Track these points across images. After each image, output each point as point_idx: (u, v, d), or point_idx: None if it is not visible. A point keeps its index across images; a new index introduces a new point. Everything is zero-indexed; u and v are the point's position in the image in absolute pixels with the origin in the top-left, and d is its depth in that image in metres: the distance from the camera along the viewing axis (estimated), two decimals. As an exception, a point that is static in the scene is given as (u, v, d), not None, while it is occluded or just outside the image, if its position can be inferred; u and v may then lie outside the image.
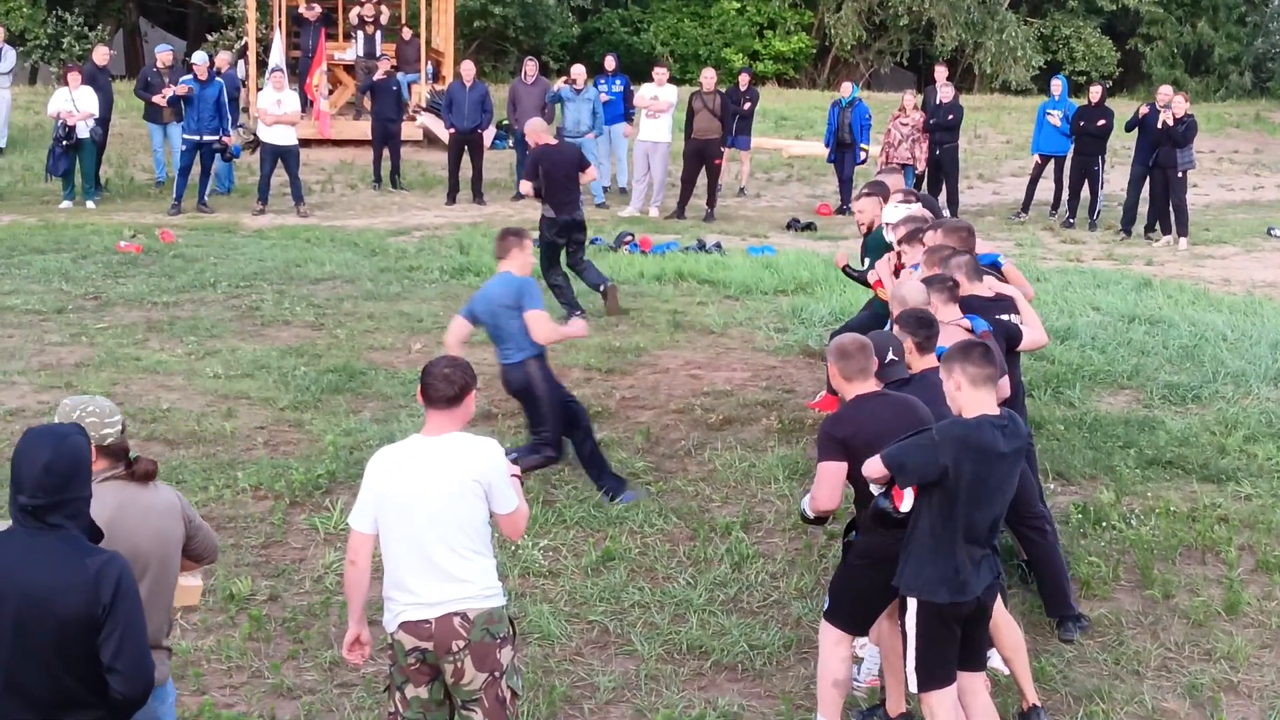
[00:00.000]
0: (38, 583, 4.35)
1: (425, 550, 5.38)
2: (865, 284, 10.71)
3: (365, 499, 5.51)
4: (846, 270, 11.11)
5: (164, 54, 21.16)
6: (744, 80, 22.48)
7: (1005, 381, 7.36)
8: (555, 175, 13.83)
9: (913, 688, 6.13)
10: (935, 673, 6.00)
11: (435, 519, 5.39)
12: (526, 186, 14.40)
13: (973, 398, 5.90)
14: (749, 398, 11.69)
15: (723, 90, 21.17)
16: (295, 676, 7.18)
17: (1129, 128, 20.27)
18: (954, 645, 6.03)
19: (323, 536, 8.80)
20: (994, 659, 7.10)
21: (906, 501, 5.96)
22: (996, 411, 5.92)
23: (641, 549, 8.75)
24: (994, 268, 8.50)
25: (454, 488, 5.41)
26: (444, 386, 5.49)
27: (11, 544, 4.42)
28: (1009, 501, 6.05)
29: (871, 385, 6.44)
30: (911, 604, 5.97)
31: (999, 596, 6.88)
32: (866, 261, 10.48)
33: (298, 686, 7.09)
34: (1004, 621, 6.83)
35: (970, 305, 7.73)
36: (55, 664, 4.38)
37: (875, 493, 6.07)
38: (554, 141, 14.73)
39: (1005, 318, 7.91)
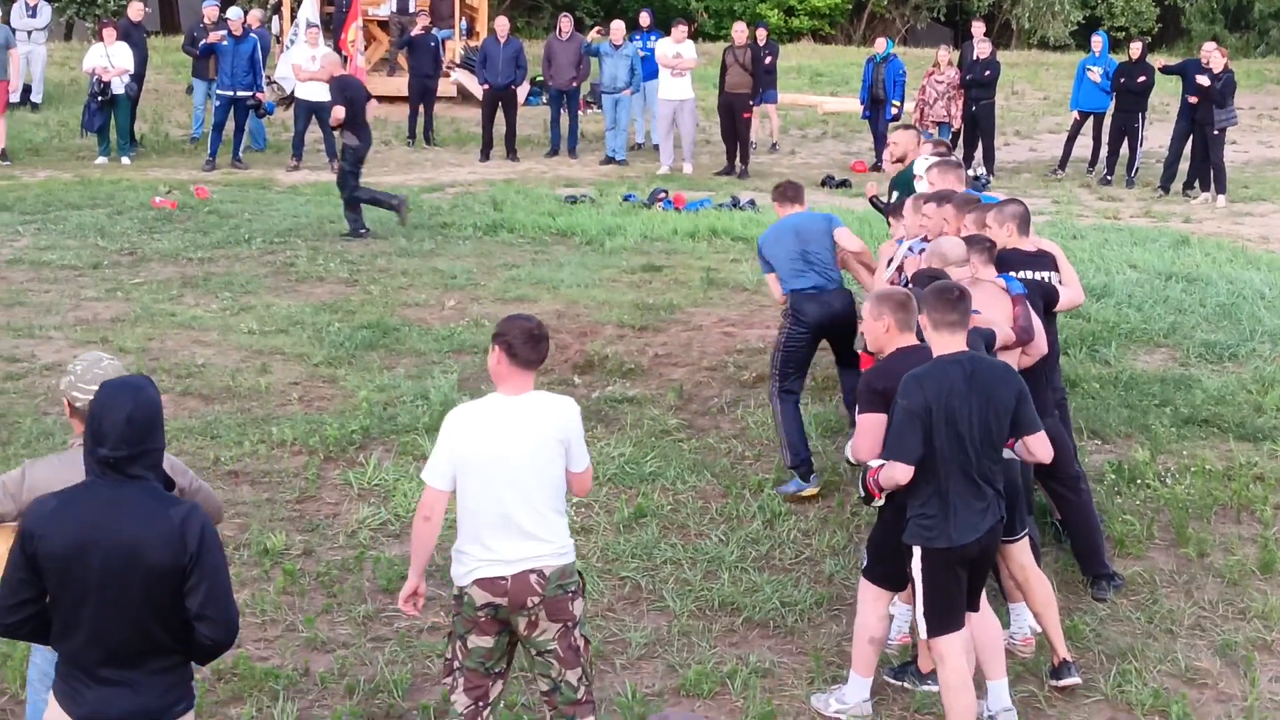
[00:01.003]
0: (124, 534, 4.39)
1: (506, 508, 5.41)
2: (888, 216, 10.63)
3: (443, 456, 5.48)
4: (874, 201, 11.04)
5: (210, 8, 21.15)
6: (761, 35, 22.14)
7: (1042, 339, 7.33)
8: (359, 104, 15.26)
9: (922, 634, 6.19)
10: (944, 618, 6.07)
11: (518, 477, 5.42)
12: (340, 112, 15.27)
13: (936, 339, 6.06)
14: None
15: (756, 44, 21.05)
16: (329, 630, 7.22)
17: (1167, 71, 20.16)
18: (960, 590, 6.11)
19: (356, 492, 8.84)
20: (1027, 615, 7.10)
21: (883, 498, 6.15)
22: (960, 349, 6.05)
23: (674, 506, 8.76)
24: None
25: (538, 445, 5.44)
26: (536, 346, 5.49)
27: (94, 497, 4.45)
28: (998, 441, 6.05)
29: (912, 339, 6.43)
30: (917, 552, 6.04)
31: (1032, 552, 6.88)
32: (894, 195, 10.41)
33: (331, 640, 7.13)
34: (1035, 577, 6.84)
35: (1012, 259, 7.68)
36: (142, 613, 4.43)
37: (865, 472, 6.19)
38: (350, 72, 16.67)
39: (1044, 276, 7.86)
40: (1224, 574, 8.02)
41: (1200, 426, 10.22)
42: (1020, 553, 6.83)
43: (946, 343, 6.06)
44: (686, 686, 6.79)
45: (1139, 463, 9.40)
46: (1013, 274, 7.57)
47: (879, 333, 6.30)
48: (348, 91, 15.36)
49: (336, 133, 15.79)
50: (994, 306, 7.09)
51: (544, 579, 5.42)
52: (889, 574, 6.43)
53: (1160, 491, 9.02)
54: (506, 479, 5.41)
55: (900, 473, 5.99)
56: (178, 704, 4.60)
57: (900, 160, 10.62)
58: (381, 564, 7.85)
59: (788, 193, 9.40)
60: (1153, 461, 9.44)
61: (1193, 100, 19.12)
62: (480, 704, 5.56)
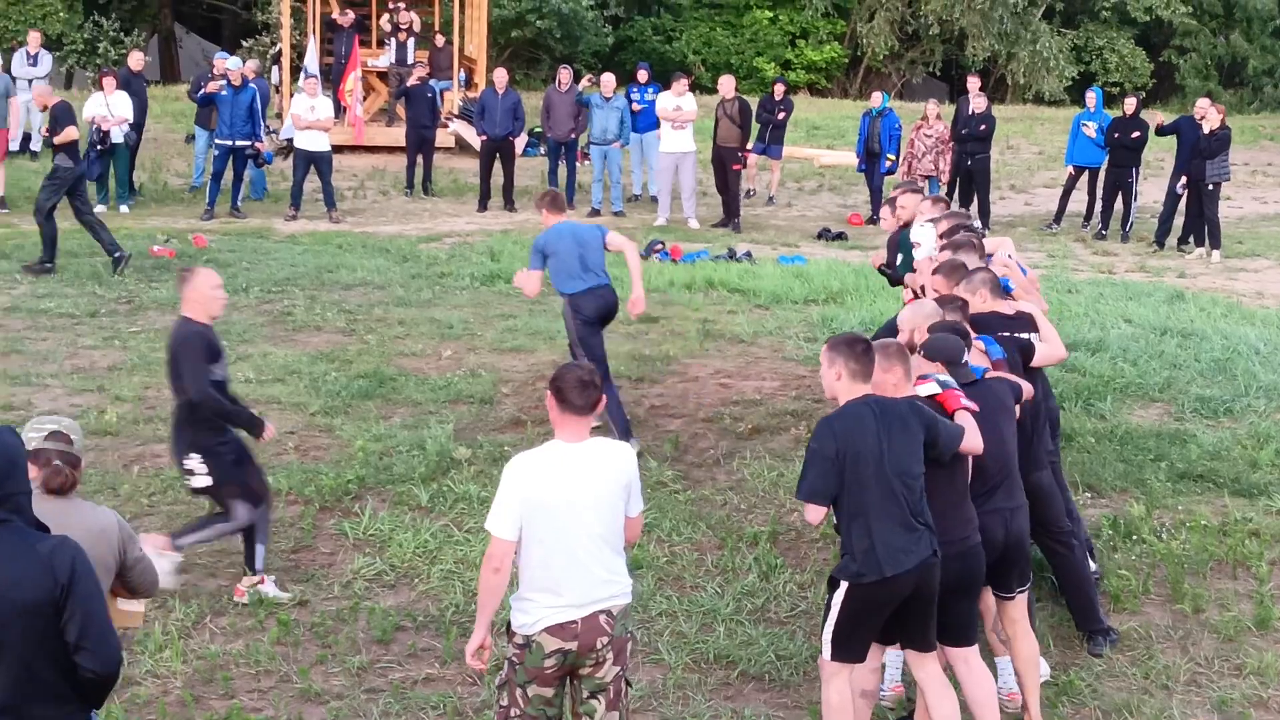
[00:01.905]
0: None
1: (577, 553, 5.48)
2: (896, 282, 10.67)
3: (509, 506, 5.51)
4: (882, 269, 11.06)
5: (221, 59, 21.31)
6: (779, 90, 22.48)
7: (1028, 387, 7.33)
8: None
9: (824, 654, 6.25)
10: (847, 649, 6.20)
11: (588, 521, 5.51)
12: (73, 132, 15.86)
13: (849, 388, 6.20)
14: (778, 407, 11.69)
15: (745, 98, 21.19)
16: (323, 681, 7.20)
17: (1162, 132, 20.27)
18: (873, 626, 6.21)
19: (352, 542, 8.83)
20: (1007, 670, 7.08)
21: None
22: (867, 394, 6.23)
23: (669, 557, 8.76)
24: (1004, 290, 8.41)
25: (605, 490, 5.56)
26: (586, 392, 5.56)
27: None
28: (912, 476, 6.10)
29: (866, 389, 6.44)
30: (843, 585, 6.13)
31: (1023, 604, 6.88)
32: (900, 259, 10.45)
33: (325, 691, 7.10)
34: (1024, 634, 6.86)
35: (991, 323, 7.69)
36: (27, 654, 4.37)
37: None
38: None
39: (1024, 335, 7.86)
40: (1220, 630, 8.01)
41: (1196, 482, 10.23)
42: (1014, 608, 6.85)
43: (855, 389, 6.20)
44: (681, 740, 6.76)
45: (1135, 518, 9.40)
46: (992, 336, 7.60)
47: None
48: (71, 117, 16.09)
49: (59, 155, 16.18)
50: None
51: (612, 619, 5.54)
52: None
53: (1156, 547, 9.02)
54: (580, 523, 5.49)
55: (811, 514, 6.17)
56: None
57: (907, 224, 10.63)
58: (376, 615, 7.84)
59: (556, 201, 10.95)
60: (1148, 516, 9.45)
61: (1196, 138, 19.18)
62: None
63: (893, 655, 7.01)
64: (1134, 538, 9.15)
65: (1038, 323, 7.98)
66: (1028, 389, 7.19)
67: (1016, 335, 7.78)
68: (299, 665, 7.29)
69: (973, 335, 7.23)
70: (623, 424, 10.52)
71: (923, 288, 9.31)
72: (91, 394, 11.43)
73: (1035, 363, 7.89)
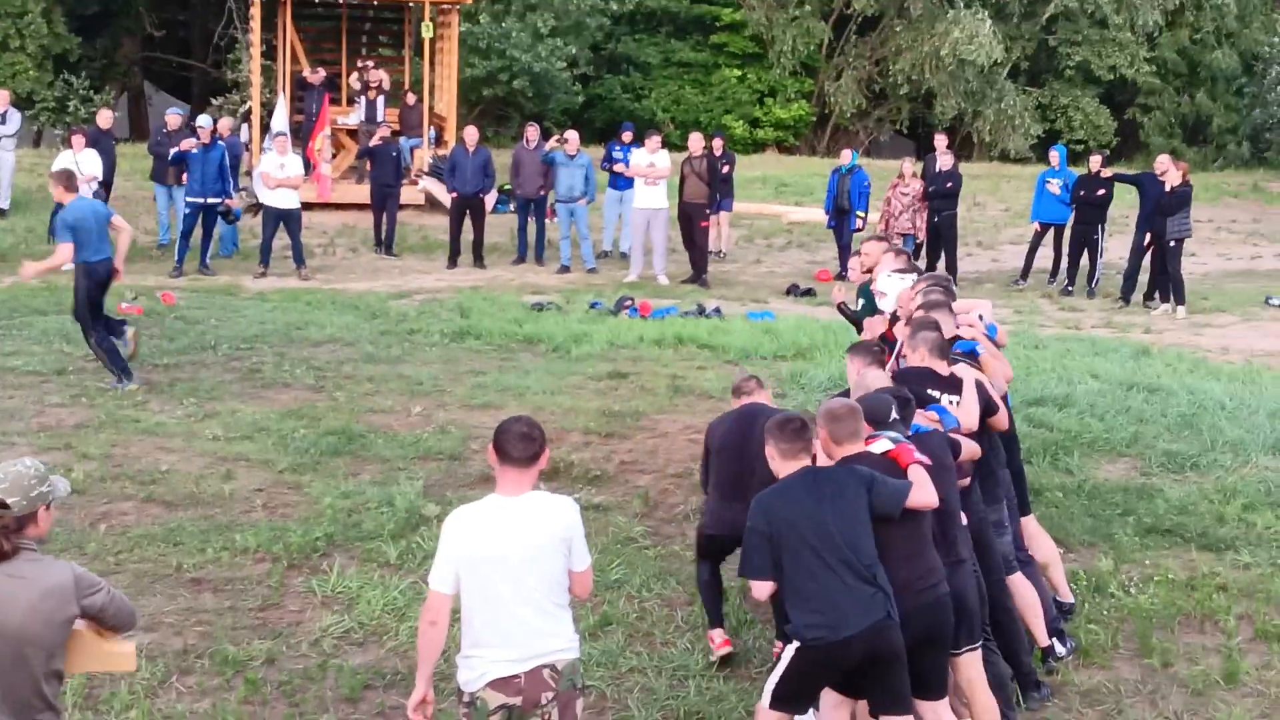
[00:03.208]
0: None
1: (513, 607, 5.48)
2: (857, 325, 10.73)
3: (446, 559, 5.55)
4: (841, 308, 11.14)
5: (173, 116, 21.42)
6: (717, 145, 22.24)
7: (970, 449, 7.34)
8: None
9: (763, 702, 6.34)
10: (787, 700, 6.33)
11: (523, 576, 5.49)
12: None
13: (782, 466, 6.37)
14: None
15: (713, 154, 21.31)
16: (291, 740, 7.14)
17: (1121, 179, 20.55)
18: (818, 686, 6.33)
19: (320, 599, 8.78)
20: None
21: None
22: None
23: (639, 614, 8.74)
24: (971, 355, 8.42)
25: (540, 544, 5.54)
26: (524, 445, 5.58)
27: None
28: (856, 540, 6.14)
29: (860, 447, 6.49)
30: (793, 645, 6.23)
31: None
32: (861, 304, 10.51)
33: (293, 750, 7.05)
34: (981, 694, 6.87)
35: (921, 376, 7.71)
36: None
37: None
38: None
39: (952, 399, 7.81)
40: (1189, 684, 8.02)
41: (1163, 536, 10.27)
42: (968, 667, 6.85)
43: (790, 466, 6.34)
44: (652, 797, 6.73)
45: (1103, 572, 9.43)
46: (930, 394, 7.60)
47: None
48: None
49: None
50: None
51: (557, 673, 5.52)
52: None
53: (1124, 601, 9.04)
54: (514, 577, 5.48)
55: (757, 590, 6.34)
56: None
57: (869, 270, 10.73)
58: (345, 673, 7.79)
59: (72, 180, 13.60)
60: (1116, 571, 9.48)
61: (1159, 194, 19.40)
62: None
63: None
64: (1103, 592, 9.17)
65: (963, 387, 7.88)
66: (971, 447, 7.23)
67: (946, 398, 7.76)
68: (266, 724, 7.24)
69: (917, 407, 7.25)
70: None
71: (882, 337, 9.37)
72: (59, 452, 11.36)
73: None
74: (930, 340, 7.92)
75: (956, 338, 8.46)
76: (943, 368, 7.89)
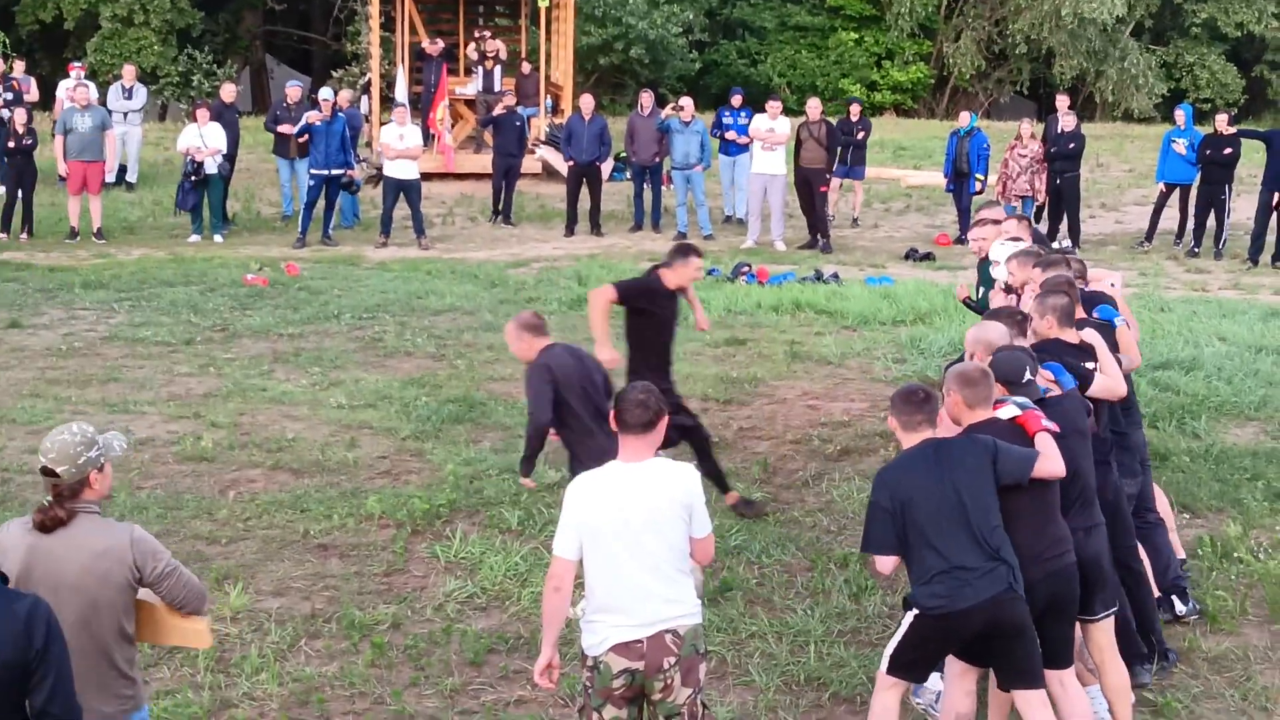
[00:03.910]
0: None
1: (636, 573, 5.53)
2: (980, 312, 10.60)
3: (569, 526, 5.62)
4: (966, 302, 11.02)
5: (293, 89, 21.70)
6: (854, 111, 22.42)
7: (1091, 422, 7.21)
8: None
9: (882, 667, 6.34)
10: (905, 667, 6.31)
11: (645, 542, 5.55)
12: None
13: (906, 438, 6.33)
14: (866, 428, 11.65)
15: (830, 121, 21.19)
16: (416, 703, 7.26)
17: (1247, 135, 20.10)
18: (937, 655, 6.32)
19: (443, 565, 8.90)
20: (1102, 700, 6.98)
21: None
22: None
23: (759, 579, 8.75)
24: (1109, 326, 8.28)
25: (662, 511, 5.58)
26: (640, 412, 5.64)
27: None
28: (981, 511, 6.10)
29: (989, 413, 6.42)
30: (913, 613, 6.22)
31: (1107, 628, 6.79)
32: (981, 290, 10.39)
33: (419, 713, 7.16)
34: (1112, 661, 6.79)
35: (1054, 350, 7.59)
36: None
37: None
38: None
39: (1087, 365, 7.73)
40: (1320, 651, 7.89)
41: (1293, 501, 10.09)
42: (1099, 633, 6.78)
43: (913, 438, 6.30)
44: (773, 762, 6.76)
45: (1231, 537, 9.28)
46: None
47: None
48: None
49: None
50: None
51: (679, 638, 5.55)
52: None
53: (1253, 566, 8.90)
54: (630, 543, 5.53)
55: (880, 565, 6.32)
56: None
57: (986, 254, 10.50)
58: (469, 637, 7.89)
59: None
60: (1245, 536, 9.33)
61: None
62: None
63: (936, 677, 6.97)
64: (1231, 557, 9.03)
65: (1098, 354, 7.79)
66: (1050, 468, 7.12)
67: (1079, 364, 7.67)
68: (393, 687, 7.35)
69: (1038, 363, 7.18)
70: None
71: (1008, 286, 9.21)
72: (187, 420, 11.61)
73: (1091, 393, 7.73)
74: (1059, 307, 7.79)
75: (1096, 296, 8.36)
76: (1072, 336, 7.78)
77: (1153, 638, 7.63)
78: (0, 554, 5.10)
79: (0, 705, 4.41)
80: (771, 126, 20.32)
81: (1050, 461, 6.32)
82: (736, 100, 22.20)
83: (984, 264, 10.58)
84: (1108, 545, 6.91)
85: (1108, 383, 7.74)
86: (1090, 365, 7.72)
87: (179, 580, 5.22)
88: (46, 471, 5.11)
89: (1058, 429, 6.47)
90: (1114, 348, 7.87)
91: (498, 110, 22.21)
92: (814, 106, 20.85)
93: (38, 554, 5.07)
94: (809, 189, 20.44)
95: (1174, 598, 8.12)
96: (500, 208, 22.30)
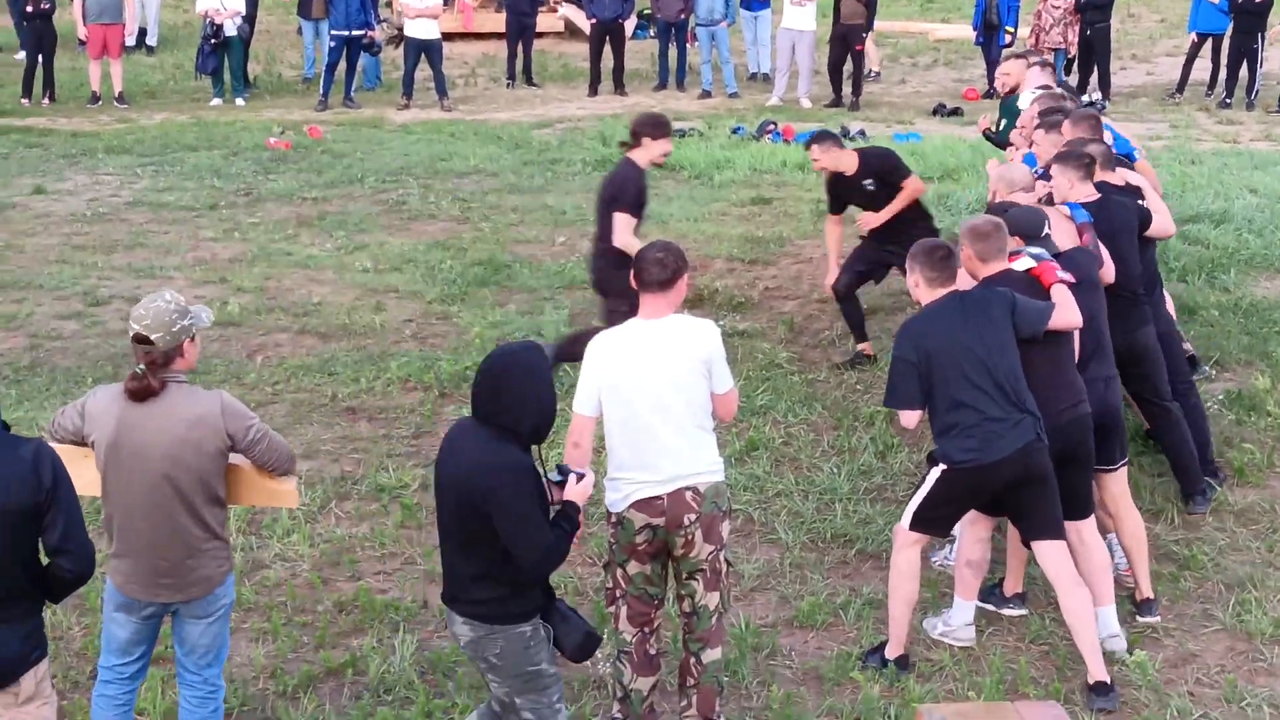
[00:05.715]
0: None
1: (655, 430, 5.55)
2: (1002, 148, 10.55)
3: (588, 383, 5.64)
4: (986, 133, 10.96)
5: None
6: None
7: (1109, 268, 7.17)
8: None
9: (904, 523, 6.39)
10: (928, 522, 6.37)
11: (665, 399, 5.56)
12: None
13: (928, 294, 6.29)
14: (893, 286, 11.56)
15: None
16: (446, 563, 7.32)
17: None
18: (962, 508, 6.35)
19: (471, 427, 8.92)
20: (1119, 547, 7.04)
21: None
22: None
23: (785, 439, 8.78)
24: (1127, 159, 8.25)
25: (682, 367, 5.59)
26: (658, 270, 5.63)
27: None
28: (1005, 362, 6.10)
29: (1004, 265, 6.40)
30: (941, 467, 6.24)
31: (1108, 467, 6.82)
32: (1003, 124, 10.31)
33: (449, 573, 7.22)
34: (1126, 509, 6.85)
35: (1102, 189, 7.55)
36: (4, 559, 4.50)
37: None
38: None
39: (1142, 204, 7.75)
40: (1347, 503, 7.90)
41: (1323, 354, 10.04)
42: (1114, 483, 6.82)
43: (934, 294, 6.26)
44: (799, 618, 6.84)
45: (1259, 390, 9.26)
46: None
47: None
48: None
49: None
50: (1061, 233, 6.95)
51: (699, 495, 5.57)
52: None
53: (1281, 420, 8.89)
54: (656, 400, 5.54)
55: (905, 419, 6.31)
56: (34, 651, 4.67)
57: (1013, 90, 10.51)
58: (497, 498, 7.94)
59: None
60: (1274, 389, 9.29)
61: None
62: (645, 630, 5.73)
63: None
64: (1259, 410, 9.02)
65: (1145, 195, 7.82)
66: (1108, 263, 7.08)
67: (1139, 203, 7.66)
68: (423, 547, 7.42)
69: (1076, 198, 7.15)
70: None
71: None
72: (214, 285, 11.63)
73: (1150, 233, 7.76)
74: (1100, 154, 7.75)
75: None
76: (1115, 177, 7.74)
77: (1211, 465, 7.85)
78: (90, 420, 5.13)
79: (18, 547, 4.54)
80: None
81: (1067, 312, 6.31)
82: None
83: (1008, 99, 10.50)
84: (1120, 395, 6.95)
85: (1161, 221, 7.78)
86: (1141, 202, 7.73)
87: (269, 444, 5.29)
88: (140, 339, 5.08)
89: (1074, 280, 6.44)
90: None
91: (511, -33, 21.84)
92: None
93: (128, 423, 5.08)
94: (844, 46, 20.09)
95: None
96: (520, 69, 22.05)
